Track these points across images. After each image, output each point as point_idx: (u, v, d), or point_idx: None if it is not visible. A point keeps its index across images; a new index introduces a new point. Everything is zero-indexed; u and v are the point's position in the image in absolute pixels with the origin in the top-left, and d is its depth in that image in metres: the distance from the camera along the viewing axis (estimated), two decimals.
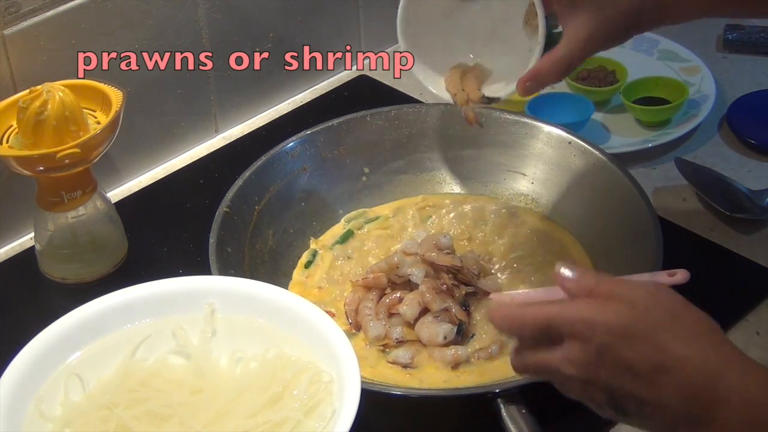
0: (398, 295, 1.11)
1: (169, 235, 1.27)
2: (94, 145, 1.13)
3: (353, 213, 1.26)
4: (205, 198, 1.26)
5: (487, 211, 1.24)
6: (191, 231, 1.25)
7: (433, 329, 1.07)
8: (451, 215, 1.24)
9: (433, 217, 1.25)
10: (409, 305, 1.08)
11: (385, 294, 1.12)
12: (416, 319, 1.08)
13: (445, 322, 1.07)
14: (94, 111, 1.17)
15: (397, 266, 1.11)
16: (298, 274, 1.19)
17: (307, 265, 1.20)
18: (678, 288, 1.12)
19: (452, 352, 1.06)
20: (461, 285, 1.10)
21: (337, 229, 1.24)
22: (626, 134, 1.39)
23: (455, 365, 1.06)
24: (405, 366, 1.06)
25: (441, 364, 1.06)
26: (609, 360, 0.74)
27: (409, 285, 1.12)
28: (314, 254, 1.21)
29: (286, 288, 1.16)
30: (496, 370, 1.06)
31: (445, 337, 1.06)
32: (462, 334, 1.08)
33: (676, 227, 1.23)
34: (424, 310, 1.09)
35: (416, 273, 1.10)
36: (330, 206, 1.26)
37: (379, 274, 1.12)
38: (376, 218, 1.25)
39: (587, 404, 0.79)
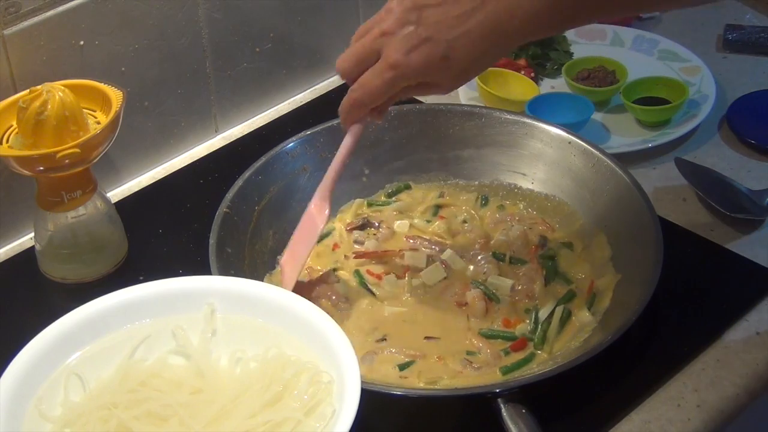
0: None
1: (169, 235, 1.27)
2: (94, 145, 1.13)
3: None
4: (205, 198, 1.26)
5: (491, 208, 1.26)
6: (191, 231, 1.25)
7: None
8: (461, 217, 1.25)
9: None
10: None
11: None
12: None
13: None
14: (94, 111, 1.17)
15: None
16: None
17: None
18: (679, 289, 1.13)
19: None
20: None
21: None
22: (626, 134, 1.39)
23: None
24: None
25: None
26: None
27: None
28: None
29: None
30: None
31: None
32: None
33: (676, 227, 1.23)
34: None
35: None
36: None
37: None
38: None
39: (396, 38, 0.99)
